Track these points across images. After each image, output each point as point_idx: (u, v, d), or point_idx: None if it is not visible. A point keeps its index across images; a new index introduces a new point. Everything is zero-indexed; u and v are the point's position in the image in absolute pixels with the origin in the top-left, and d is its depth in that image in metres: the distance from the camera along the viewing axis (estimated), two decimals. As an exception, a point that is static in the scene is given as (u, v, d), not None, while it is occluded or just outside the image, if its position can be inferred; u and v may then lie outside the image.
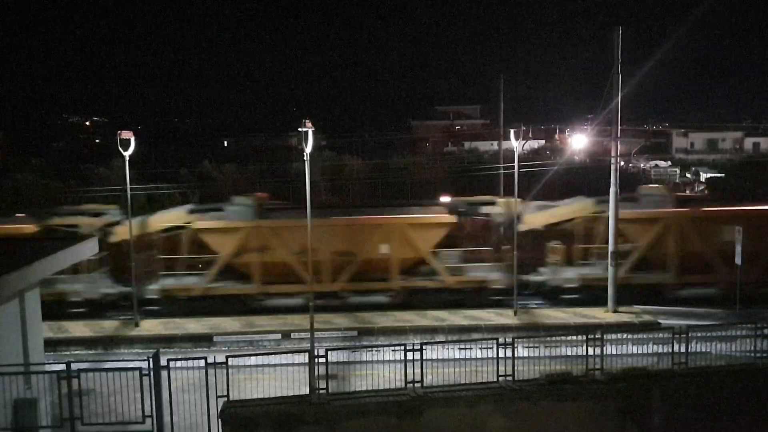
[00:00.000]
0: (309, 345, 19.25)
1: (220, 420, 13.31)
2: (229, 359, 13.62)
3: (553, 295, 25.74)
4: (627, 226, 25.32)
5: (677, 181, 60.23)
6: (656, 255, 25.49)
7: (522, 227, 25.39)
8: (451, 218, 25.58)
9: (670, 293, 25.26)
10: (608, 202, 25.12)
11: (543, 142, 78.35)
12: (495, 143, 52.08)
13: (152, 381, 13.14)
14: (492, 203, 26.59)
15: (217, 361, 13.50)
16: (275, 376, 14.50)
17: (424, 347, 14.17)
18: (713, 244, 25.20)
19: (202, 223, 25.22)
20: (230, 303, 24.88)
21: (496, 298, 25.27)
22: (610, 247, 24.01)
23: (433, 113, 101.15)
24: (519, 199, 25.52)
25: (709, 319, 21.92)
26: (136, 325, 23.47)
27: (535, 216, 26.02)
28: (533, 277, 25.81)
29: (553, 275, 25.50)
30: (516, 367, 14.35)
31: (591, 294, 25.02)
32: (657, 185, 26.51)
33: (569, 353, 15.11)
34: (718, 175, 57.46)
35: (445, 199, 29.57)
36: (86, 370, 13.38)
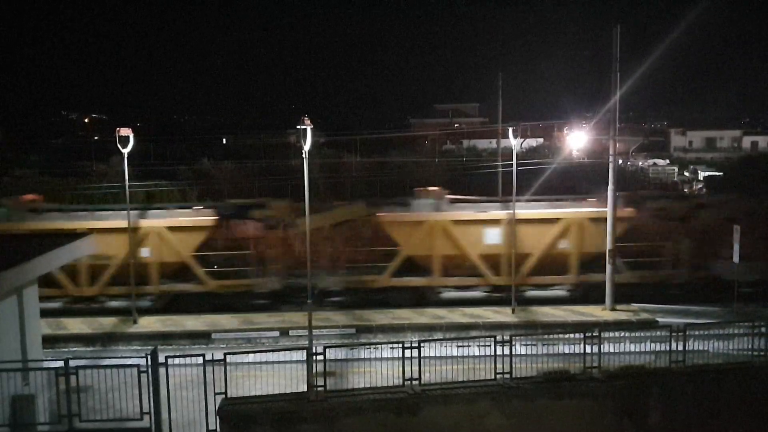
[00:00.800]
0: (307, 342, 19.32)
1: (218, 417, 13.32)
2: (227, 356, 13.61)
3: (320, 298, 25.34)
4: (394, 229, 25.37)
5: (675, 179, 60.28)
6: (424, 258, 25.44)
7: (294, 230, 25.16)
8: (211, 221, 24.98)
9: (434, 296, 25.26)
10: (380, 206, 25.65)
11: (542, 140, 78.25)
12: (494, 141, 52.15)
13: (150, 378, 13.15)
14: (262, 206, 26.00)
15: (215, 358, 13.50)
16: (273, 373, 14.49)
17: (422, 345, 14.19)
18: (478, 247, 25.20)
19: None
20: None
21: (261, 302, 24.97)
22: (608, 245, 24.05)
23: (432, 111, 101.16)
24: (290, 202, 25.68)
25: (707, 318, 21.95)
26: (135, 322, 23.50)
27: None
28: (303, 281, 25.17)
29: (322, 278, 25.16)
30: (514, 365, 14.36)
31: (357, 297, 25.04)
32: (432, 188, 26.66)
33: (567, 351, 15.13)
34: (717, 173, 57.54)
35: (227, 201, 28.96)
36: (84, 367, 13.39)
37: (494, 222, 25.31)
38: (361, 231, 25.73)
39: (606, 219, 24.44)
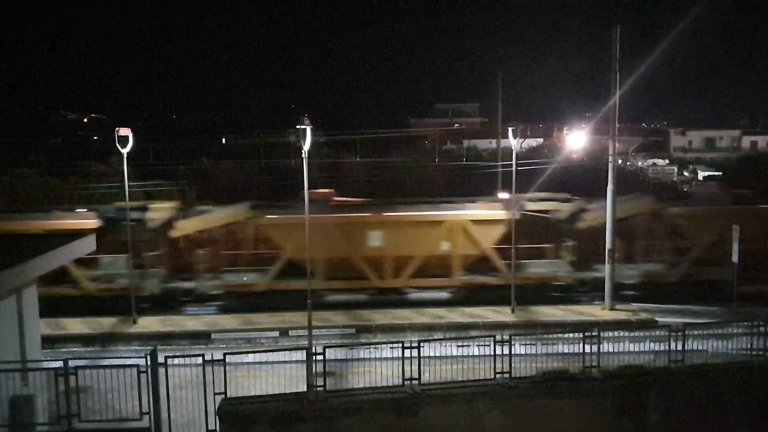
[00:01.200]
0: (307, 342, 19.32)
1: (217, 417, 13.32)
2: (227, 356, 13.62)
3: (202, 301, 25.26)
4: (275, 232, 25.06)
5: (674, 179, 60.31)
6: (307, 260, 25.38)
7: (174, 233, 24.92)
8: (91, 224, 24.38)
9: (319, 299, 24.72)
10: (264, 207, 25.38)
11: (541, 140, 78.30)
12: (494, 141, 52.13)
13: (150, 378, 13.14)
14: (144, 208, 25.49)
15: (214, 358, 13.51)
16: (273, 373, 14.49)
17: (421, 344, 14.21)
18: (361, 250, 25.02)
19: None
20: None
21: (142, 305, 24.50)
22: (608, 245, 24.07)
23: (432, 111, 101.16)
24: (174, 203, 25.48)
25: (706, 317, 21.98)
26: (134, 322, 23.48)
27: (188, 221, 25.34)
28: (184, 284, 25.19)
29: (203, 282, 25.05)
30: (513, 365, 14.38)
31: (239, 300, 24.82)
32: (325, 190, 26.48)
33: (566, 350, 15.15)
34: (716, 173, 57.60)
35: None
36: (84, 367, 13.37)
37: (378, 224, 25.05)
38: (246, 233, 25.54)
39: (489, 221, 24.96)
